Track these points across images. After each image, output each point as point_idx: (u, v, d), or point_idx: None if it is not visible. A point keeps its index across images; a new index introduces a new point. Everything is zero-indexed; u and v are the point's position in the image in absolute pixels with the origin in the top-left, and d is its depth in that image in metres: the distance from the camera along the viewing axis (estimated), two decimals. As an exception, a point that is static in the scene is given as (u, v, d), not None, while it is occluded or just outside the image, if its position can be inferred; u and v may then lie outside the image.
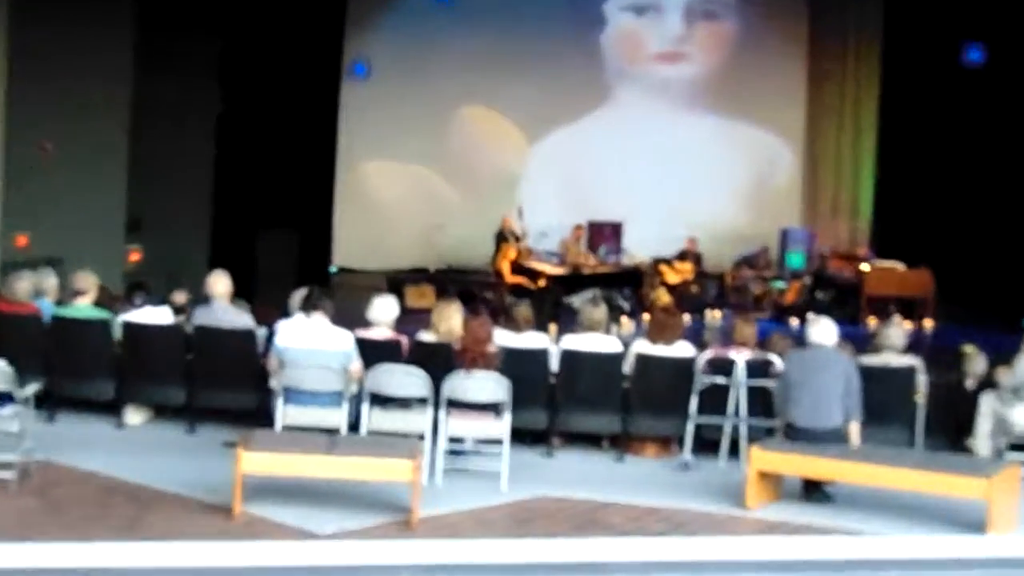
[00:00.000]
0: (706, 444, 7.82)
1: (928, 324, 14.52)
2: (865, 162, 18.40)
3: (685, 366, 7.87)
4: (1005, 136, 15.34)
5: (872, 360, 7.91)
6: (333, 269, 17.60)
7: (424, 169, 18.46)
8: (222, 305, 8.17)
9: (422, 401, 7.18)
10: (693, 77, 18.72)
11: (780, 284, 16.22)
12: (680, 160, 18.20)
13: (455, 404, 7.20)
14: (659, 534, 6.33)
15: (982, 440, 7.48)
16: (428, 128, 18.13)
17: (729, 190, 18.46)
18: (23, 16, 11.29)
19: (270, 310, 8.68)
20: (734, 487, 6.99)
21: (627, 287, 15.34)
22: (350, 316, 8.00)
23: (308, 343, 7.23)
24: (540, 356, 7.94)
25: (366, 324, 7.89)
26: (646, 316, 12.66)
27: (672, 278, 15.94)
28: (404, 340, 7.89)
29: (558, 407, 7.92)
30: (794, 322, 14.37)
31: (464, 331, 7.56)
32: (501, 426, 7.16)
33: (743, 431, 7.73)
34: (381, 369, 7.19)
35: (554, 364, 7.95)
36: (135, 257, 13.59)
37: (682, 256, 16.40)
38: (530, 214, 15.42)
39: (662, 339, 8.05)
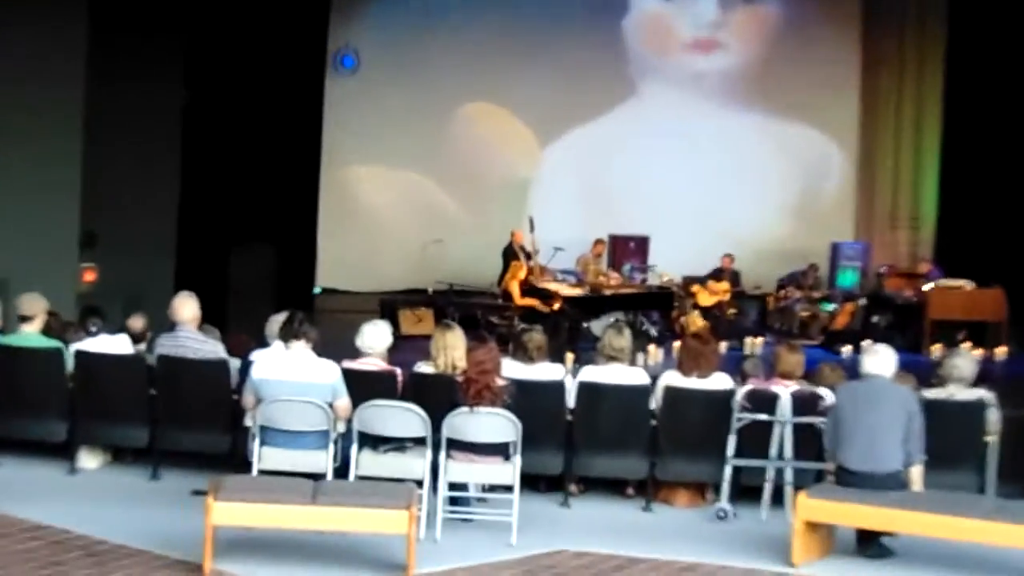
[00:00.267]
0: (746, 491, 7.82)
1: (1001, 352, 14.50)
2: (928, 165, 18.43)
3: (721, 401, 7.88)
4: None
5: (936, 393, 7.91)
6: (317, 290, 17.67)
7: (420, 175, 18.58)
8: (189, 332, 8.20)
9: (419, 442, 7.20)
10: (730, 68, 18.81)
11: (830, 307, 16.26)
12: (715, 164, 18.29)
13: (457, 445, 7.22)
14: (692, 595, 6.35)
15: (1064, 485, 7.48)
16: (425, 128, 18.25)
17: (771, 198, 18.53)
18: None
19: (244, 338, 8.71)
20: (778, 540, 6.99)
21: (655, 310, 15.37)
22: (336, 344, 8.03)
23: (288, 375, 7.26)
24: (555, 390, 7.96)
25: (355, 354, 7.92)
26: (677, 344, 12.66)
27: (706, 300, 15.98)
28: (399, 372, 7.92)
29: (576, 448, 7.93)
30: (846, 350, 14.38)
31: (467, 361, 7.58)
32: (510, 470, 7.17)
33: (788, 476, 7.73)
34: (372, 405, 7.22)
35: (571, 399, 7.97)
36: (89, 277, 13.62)
37: (718, 275, 16.45)
38: (543, 227, 15.47)
39: (695, 370, 8.07)
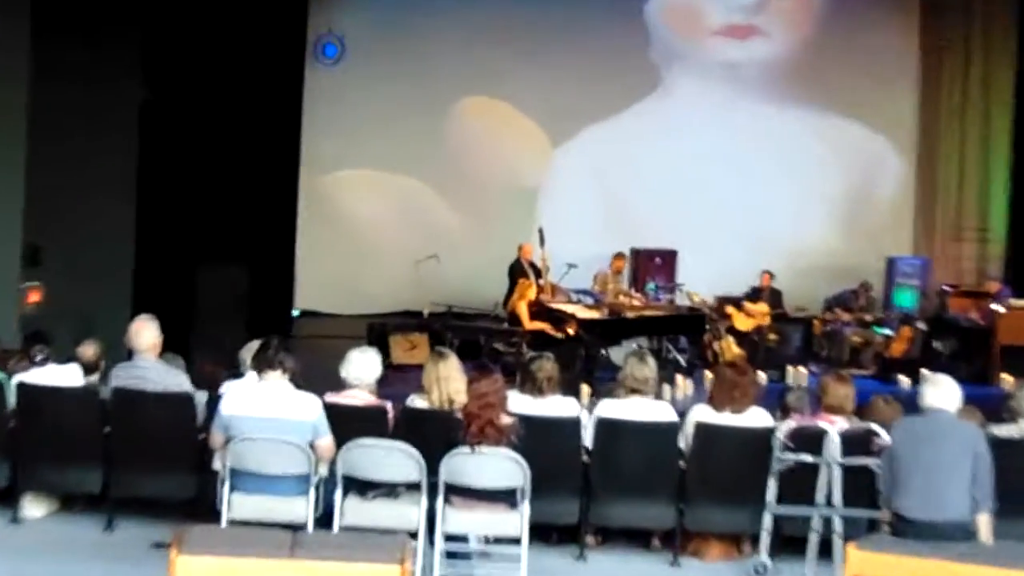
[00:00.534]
0: (788, 542, 7.83)
1: (1082, 383, 14.49)
2: (997, 167, 18.47)
3: (760, 440, 7.89)
4: None
5: (1007, 431, 7.93)
6: (295, 313, 17.71)
7: (414, 181, 18.62)
8: (149, 362, 8.22)
9: (413, 487, 7.23)
10: (768, 57, 18.86)
11: (885, 331, 16.25)
12: (751, 167, 18.33)
13: (457, 490, 7.25)
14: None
15: None
16: (418, 126, 18.29)
17: (817, 207, 18.56)
18: None
19: (213, 368, 8.75)
20: (825, 600, 7.01)
21: (683, 335, 15.37)
22: (318, 375, 8.06)
23: (263, 411, 7.28)
24: (569, 427, 7.99)
25: (339, 386, 7.94)
26: (709, 374, 12.69)
27: (743, 324, 15.99)
28: (389, 407, 7.94)
29: (593, 494, 7.96)
30: (904, 381, 14.39)
31: (468, 395, 7.61)
32: (517, 519, 7.20)
33: (837, 525, 7.72)
34: (359, 445, 7.25)
35: (587, 437, 8.00)
36: (34, 298, 13.66)
37: (756, 295, 16.47)
38: (554, 239, 15.49)
39: (730, 404, 8.09)
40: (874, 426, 7.88)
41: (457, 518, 7.25)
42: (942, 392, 7.19)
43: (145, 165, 15.14)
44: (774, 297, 16.58)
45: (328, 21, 18.23)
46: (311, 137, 17.87)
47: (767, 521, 7.76)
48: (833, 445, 7.77)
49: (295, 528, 6.95)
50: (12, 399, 8.22)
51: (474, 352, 13.99)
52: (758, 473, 7.79)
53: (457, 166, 18.55)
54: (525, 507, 7.21)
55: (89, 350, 8.92)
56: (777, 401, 8.69)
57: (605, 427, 8.01)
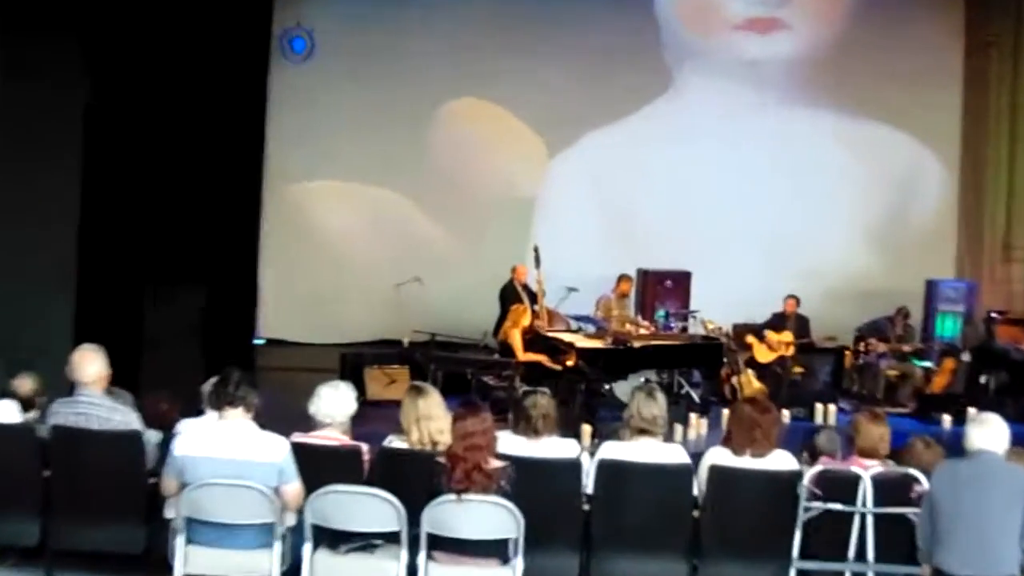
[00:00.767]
0: (816, 602, 7.86)
1: None
2: (1052, 180, 18.51)
3: (784, 486, 7.90)
4: None
5: (1062, 476, 7.94)
6: (259, 342, 17.69)
7: (393, 193, 18.66)
8: (94, 397, 8.21)
9: (391, 538, 7.23)
10: (793, 54, 18.95)
11: (925, 364, 16.28)
12: (774, 179, 18.36)
13: (441, 543, 7.24)
14: None
15: None
16: (398, 132, 18.32)
17: (848, 223, 18.62)
18: None
19: (165, 404, 8.74)
20: (858, 667, 7.01)
21: (698, 368, 15.40)
22: (284, 413, 8.07)
23: (222, 452, 7.29)
24: (568, 471, 7.99)
25: (308, 425, 7.95)
26: (726, 412, 12.70)
27: (764, 355, 16.02)
28: (364, 448, 7.95)
29: (594, 547, 7.96)
30: (946, 420, 14.41)
31: (453, 435, 7.62)
32: (509, 575, 7.21)
33: (871, 583, 7.78)
34: (331, 491, 7.25)
35: (589, 483, 8.00)
36: (-39, 326, 13.68)
37: (779, 322, 16.49)
38: (551, 259, 15.51)
39: (750, 446, 8.10)
40: (912, 471, 7.88)
41: (442, 573, 7.24)
42: (989, 432, 7.20)
43: (90, 175, 15.08)
44: (800, 325, 16.58)
45: (296, 13, 18.27)
46: (276, 143, 17.89)
47: (792, 577, 7.80)
48: (866, 492, 7.78)
49: (258, 585, 6.98)
50: (-63, 439, 8.23)
51: (461, 387, 13.98)
52: (782, 524, 7.79)
53: (442, 176, 18.57)
54: (518, 562, 7.22)
55: (26, 384, 8.93)
56: (803, 443, 8.72)
57: (608, 471, 8.01)
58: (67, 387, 8.37)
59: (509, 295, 15.54)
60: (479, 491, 7.24)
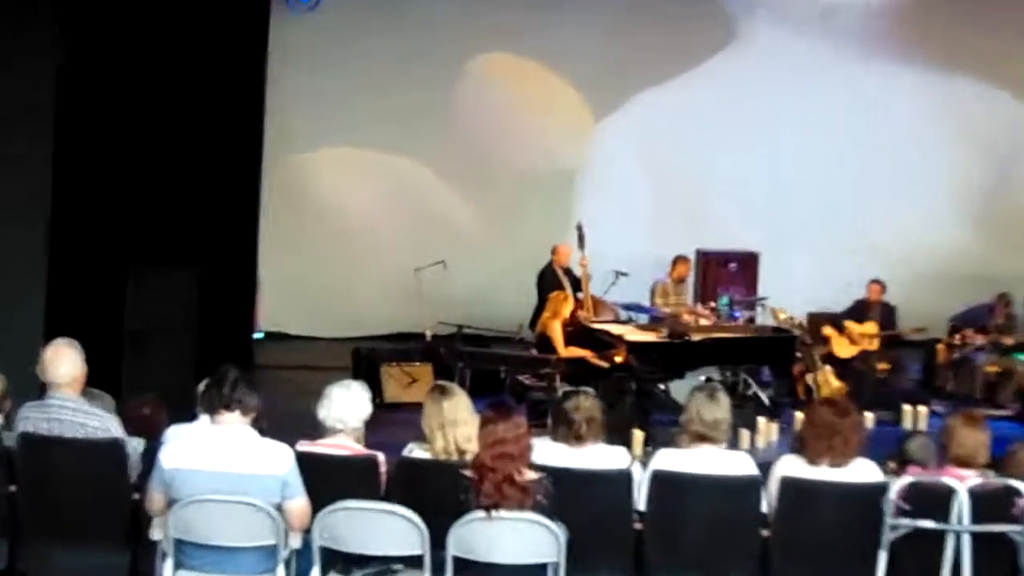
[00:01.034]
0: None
1: None
2: None
3: (867, 501, 7.87)
4: None
5: None
6: (259, 335, 17.72)
7: (413, 163, 18.66)
8: (67, 400, 8.23)
9: (413, 562, 7.22)
10: (876, 1, 18.83)
11: (1031, 359, 16.24)
12: (854, 145, 18.31)
13: (470, 567, 7.23)
14: None
15: None
16: (419, 93, 18.30)
17: (942, 196, 18.56)
18: None
19: (151, 408, 8.76)
20: None
21: (767, 365, 15.38)
22: (289, 418, 8.08)
23: (216, 464, 7.29)
24: (617, 484, 7.98)
25: (316, 431, 7.96)
26: (799, 416, 12.66)
27: (844, 350, 15.98)
28: (381, 459, 7.95)
29: (649, 570, 7.96)
30: (1056, 425, 14.38)
31: (481, 442, 7.61)
32: (549, 606, 7.21)
33: (968, 612, 7.74)
34: (342, 508, 7.25)
35: (641, 498, 8.00)
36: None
37: (861, 311, 16.45)
38: (597, 240, 15.53)
39: (827, 455, 8.07)
40: (1016, 483, 7.86)
41: (471, 604, 7.26)
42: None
43: (63, 144, 15.14)
44: (885, 314, 16.54)
45: (301, -45, 18.29)
46: (278, 106, 17.85)
47: (877, 606, 7.77)
48: (962, 507, 7.75)
49: (259, 616, 7.00)
50: None
51: (493, 387, 13.98)
52: (864, 544, 7.78)
53: (470, 144, 18.58)
54: (560, 588, 7.21)
55: (-10, 385, 8.96)
56: (889, 450, 8.68)
57: (664, 484, 7.99)
58: (37, 389, 8.38)
59: (548, 281, 15.51)
60: (512, 507, 7.21)
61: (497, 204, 18.57)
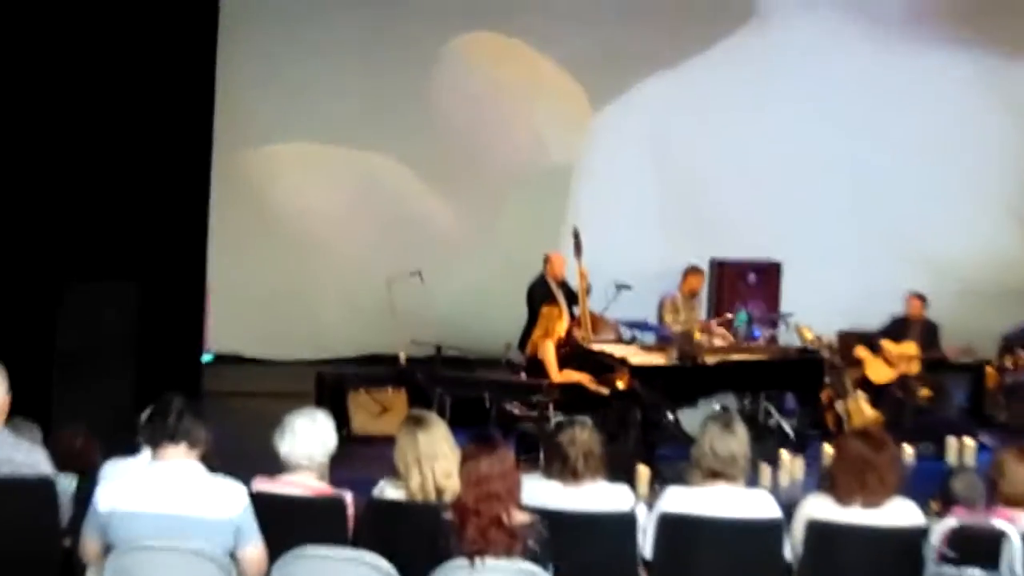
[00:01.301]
0: None
1: None
2: None
3: (906, 545, 7.92)
4: None
5: None
6: (207, 358, 17.74)
7: (384, 158, 18.70)
8: (-10, 431, 8.29)
9: (385, 618, 7.27)
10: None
11: (1094, 384, 16.29)
12: (887, 139, 18.37)
13: (451, 623, 7.29)
14: None
15: None
16: (391, 78, 18.32)
17: (991, 200, 18.63)
18: None
19: (85, 440, 8.79)
20: None
21: (791, 391, 15.41)
22: (242, 452, 8.10)
23: (160, 505, 7.31)
24: (618, 527, 8.02)
25: (274, 467, 7.99)
26: (828, 449, 12.71)
27: (880, 374, 16.01)
28: (349, 499, 7.99)
29: (656, 625, 8.01)
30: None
31: (462, 480, 7.63)
32: (541, 665, 7.25)
33: (1021, 673, 7.78)
34: (304, 555, 7.26)
35: (647, 543, 8.04)
36: None
37: (899, 329, 16.47)
38: (596, 247, 15.58)
39: (860, 494, 8.11)
40: (1075, 526, 7.91)
41: (451, 666, 7.29)
42: None
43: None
44: (927, 333, 16.55)
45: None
46: (230, 94, 17.85)
47: (917, 665, 7.82)
48: (1014, 553, 7.78)
49: None
50: None
51: (476, 417, 14.01)
52: (903, 594, 7.81)
53: (450, 137, 18.62)
54: (553, 647, 7.24)
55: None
56: (931, 489, 8.72)
57: (672, 527, 8.03)
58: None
59: (540, 295, 15.53)
60: (500, 554, 7.20)
61: (481, 206, 18.61)
